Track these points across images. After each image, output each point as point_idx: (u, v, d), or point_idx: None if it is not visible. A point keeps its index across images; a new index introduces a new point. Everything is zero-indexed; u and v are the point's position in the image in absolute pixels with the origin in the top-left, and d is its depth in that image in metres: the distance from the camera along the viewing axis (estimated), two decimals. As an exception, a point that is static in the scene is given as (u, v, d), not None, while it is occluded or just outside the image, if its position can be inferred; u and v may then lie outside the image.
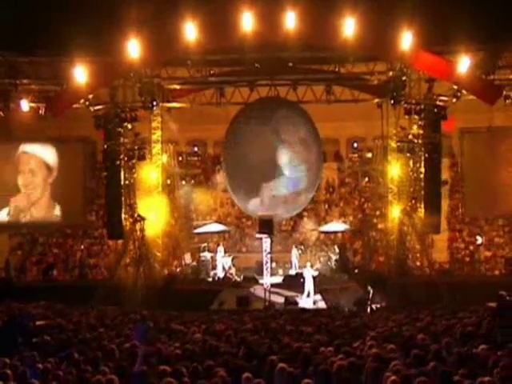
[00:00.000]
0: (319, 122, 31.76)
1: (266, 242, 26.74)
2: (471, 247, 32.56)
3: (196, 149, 37.38)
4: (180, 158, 35.05)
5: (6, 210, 31.74)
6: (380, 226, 32.06)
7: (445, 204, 33.74)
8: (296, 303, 25.05)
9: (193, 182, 34.46)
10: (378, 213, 33.17)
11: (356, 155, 36.97)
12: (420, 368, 9.50)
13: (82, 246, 33.20)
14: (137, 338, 13.96)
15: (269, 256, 26.76)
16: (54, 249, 33.98)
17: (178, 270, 31.37)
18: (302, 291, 26.53)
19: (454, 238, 33.22)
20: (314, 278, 26.99)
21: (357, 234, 33.45)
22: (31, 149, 31.46)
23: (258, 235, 27.88)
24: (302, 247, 32.01)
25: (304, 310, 22.60)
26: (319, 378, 8.77)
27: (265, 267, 26.27)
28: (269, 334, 14.88)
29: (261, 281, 27.45)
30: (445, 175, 33.76)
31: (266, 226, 25.99)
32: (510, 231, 32.97)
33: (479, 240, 32.09)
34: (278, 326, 16.53)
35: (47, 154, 31.34)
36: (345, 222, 33.47)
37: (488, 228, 33.18)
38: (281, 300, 25.56)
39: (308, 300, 25.86)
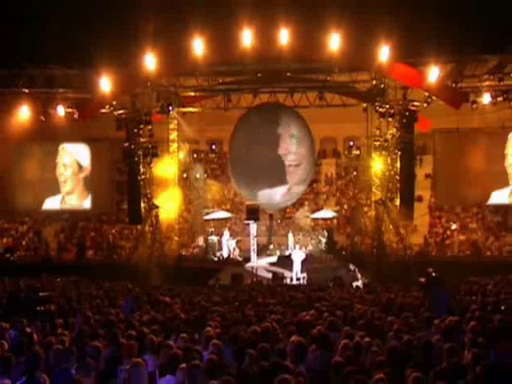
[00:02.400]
0: (320, 124, 32.66)
1: (253, 228, 27.13)
2: (448, 232, 32.70)
3: (214, 147, 37.76)
4: (196, 155, 35.38)
5: (58, 198, 32.59)
6: (370, 213, 32.22)
7: (427, 194, 34.06)
8: (282, 279, 25.40)
9: (206, 175, 34.73)
10: (368, 202, 33.33)
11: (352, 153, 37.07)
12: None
13: (114, 231, 33.98)
14: (125, 308, 14.68)
15: (255, 239, 27.14)
16: (92, 232, 34.81)
17: (195, 250, 31.90)
18: (292, 270, 26.73)
19: (433, 224, 33.36)
20: (303, 260, 26.99)
21: (349, 220, 33.69)
22: (67, 147, 32.20)
23: (246, 221, 28.35)
24: (300, 232, 32.25)
25: (286, 285, 22.95)
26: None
27: (252, 249, 26.64)
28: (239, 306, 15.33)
29: (258, 260, 27.87)
30: (428, 170, 34.04)
31: (253, 213, 26.45)
32: (482, 218, 33.03)
33: (453, 226, 32.23)
34: (250, 298, 16.98)
35: (79, 152, 32.01)
36: (335, 211, 33.57)
37: (464, 215, 33.30)
38: (270, 276, 25.95)
39: (294, 278, 26.09)
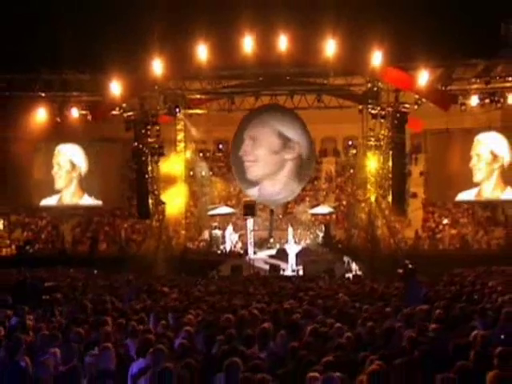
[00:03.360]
0: (321, 124, 32.96)
1: (250, 222, 27.39)
2: (440, 226, 32.81)
3: (221, 146, 37.98)
4: (202, 154, 35.57)
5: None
6: (366, 209, 32.36)
7: (421, 191, 34.17)
8: (279, 270, 25.61)
9: (211, 173, 34.94)
10: (365, 198, 33.47)
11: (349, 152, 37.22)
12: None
13: (126, 225, 34.31)
14: (124, 297, 14.97)
15: (252, 233, 27.40)
16: (106, 227, 35.17)
17: (201, 243, 32.16)
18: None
19: (427, 219, 33.46)
20: (297, 253, 27.27)
21: (347, 215, 33.82)
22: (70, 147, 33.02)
23: (244, 217, 28.63)
24: (300, 226, 32.42)
25: (280, 276, 23.17)
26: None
27: (249, 242, 26.89)
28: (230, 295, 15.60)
29: (259, 253, 28.16)
30: (422, 167, 34.17)
31: (250, 209, 26.73)
32: (472, 213, 33.10)
33: (445, 220, 32.35)
34: (242, 288, 17.25)
35: (75, 153, 32.82)
36: (332, 207, 33.70)
37: (455, 210, 33.35)
38: (267, 268, 26.18)
39: (290, 269, 26.32)
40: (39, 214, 35.45)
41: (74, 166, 32.52)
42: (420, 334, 8.53)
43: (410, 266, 15.62)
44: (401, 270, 16.69)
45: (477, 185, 31.00)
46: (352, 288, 16.39)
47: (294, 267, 26.25)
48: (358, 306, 12.06)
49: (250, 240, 27.26)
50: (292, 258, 26.49)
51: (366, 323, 9.24)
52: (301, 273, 25.62)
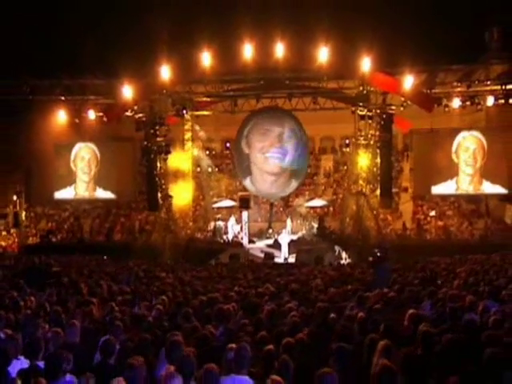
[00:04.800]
0: (321, 124, 33.45)
1: (245, 215, 27.74)
2: (428, 218, 33.03)
3: (228, 144, 38.34)
4: (208, 152, 35.83)
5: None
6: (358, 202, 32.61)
7: (411, 186, 34.37)
8: (272, 258, 25.93)
9: (217, 169, 35.37)
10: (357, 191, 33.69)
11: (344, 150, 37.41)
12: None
13: (140, 217, 34.88)
14: (123, 282, 15.50)
15: (247, 225, 27.75)
16: (122, 218, 35.79)
17: (208, 233, 32.59)
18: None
19: (416, 211, 33.68)
20: (289, 242, 27.56)
21: (342, 208, 34.10)
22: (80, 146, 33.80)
23: (240, 209, 29.02)
24: (299, 218, 32.75)
25: (270, 263, 23.44)
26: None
27: (244, 233, 27.25)
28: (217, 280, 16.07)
29: (258, 243, 28.54)
30: (411, 164, 34.38)
31: (245, 202, 27.14)
32: (458, 206, 33.28)
33: (432, 213, 32.57)
34: (233, 273, 17.68)
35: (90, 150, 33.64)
36: (327, 200, 34.05)
37: (442, 203, 33.54)
38: (262, 256, 26.57)
39: (282, 258, 26.62)
40: (63, 207, 36.21)
41: (89, 162, 33.14)
42: (368, 313, 9.00)
43: (379, 254, 16.02)
44: (371, 258, 17.06)
45: (455, 179, 31.41)
46: (330, 273, 16.72)
47: (286, 255, 26.52)
48: (324, 290, 12.49)
49: (245, 231, 27.62)
50: (284, 248, 26.77)
51: (320, 304, 9.60)
52: (293, 260, 25.83)
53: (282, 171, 29.84)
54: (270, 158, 29.23)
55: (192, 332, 7.09)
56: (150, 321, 8.00)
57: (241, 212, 29.08)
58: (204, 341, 6.82)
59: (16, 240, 33.04)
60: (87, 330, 7.59)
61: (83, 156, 33.28)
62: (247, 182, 29.74)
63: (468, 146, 30.75)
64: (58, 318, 7.98)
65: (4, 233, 33.69)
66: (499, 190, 30.72)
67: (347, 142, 36.98)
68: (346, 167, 34.98)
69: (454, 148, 30.77)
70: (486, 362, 5.54)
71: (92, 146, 33.31)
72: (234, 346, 5.93)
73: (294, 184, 30.62)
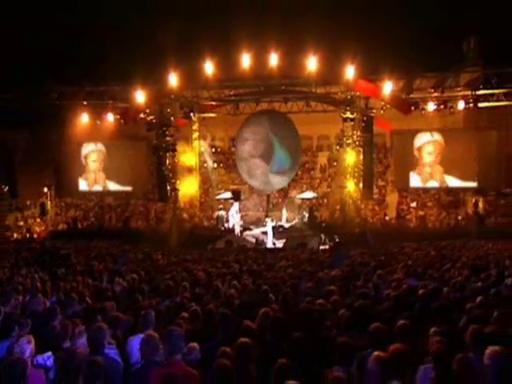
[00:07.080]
0: (317, 124, 34.09)
1: (236, 206, 28.28)
2: (411, 209, 33.33)
3: (234, 143, 38.77)
4: (214, 149, 36.34)
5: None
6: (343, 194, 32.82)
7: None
8: (262, 244, 26.33)
9: (221, 165, 35.93)
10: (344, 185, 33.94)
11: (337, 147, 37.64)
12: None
13: (155, 207, 35.60)
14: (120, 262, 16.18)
15: (239, 215, 28.23)
16: (140, 207, 36.58)
17: (212, 222, 33.13)
18: (276, 238, 27.38)
19: (400, 202, 33.97)
20: (279, 230, 28.02)
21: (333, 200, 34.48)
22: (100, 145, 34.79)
23: (231, 201, 29.64)
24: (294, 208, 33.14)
25: (257, 248, 23.76)
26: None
27: (236, 222, 27.67)
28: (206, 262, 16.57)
29: (254, 230, 29.04)
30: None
31: (235, 195, 27.74)
32: (438, 198, 33.50)
33: (413, 204, 32.88)
34: (219, 257, 18.17)
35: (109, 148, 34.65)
36: (318, 193, 34.43)
37: (424, 195, 33.79)
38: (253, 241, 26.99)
39: (270, 243, 26.83)
40: (90, 198, 37.17)
41: (107, 158, 34.04)
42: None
43: (337, 240, 16.43)
44: (331, 244, 17.49)
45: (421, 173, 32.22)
46: (301, 256, 17.19)
47: (273, 241, 26.81)
48: (284, 269, 13.02)
49: (236, 220, 28.12)
50: (270, 234, 27.01)
51: (271, 283, 10.07)
52: (280, 245, 26.00)
53: (271, 172, 29.80)
54: (259, 162, 29.40)
55: (132, 303, 7.73)
56: (110, 294, 8.65)
57: (231, 204, 29.61)
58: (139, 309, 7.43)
59: (45, 227, 34.06)
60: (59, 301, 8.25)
61: (103, 153, 34.35)
62: (245, 177, 30.19)
63: (431, 144, 31.65)
64: (34, 291, 8.71)
65: (38, 220, 34.71)
66: (470, 184, 30.97)
67: (339, 140, 37.57)
68: (335, 163, 35.28)
69: (420, 146, 31.38)
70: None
71: (101, 146, 34.50)
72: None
73: (285, 180, 30.92)
